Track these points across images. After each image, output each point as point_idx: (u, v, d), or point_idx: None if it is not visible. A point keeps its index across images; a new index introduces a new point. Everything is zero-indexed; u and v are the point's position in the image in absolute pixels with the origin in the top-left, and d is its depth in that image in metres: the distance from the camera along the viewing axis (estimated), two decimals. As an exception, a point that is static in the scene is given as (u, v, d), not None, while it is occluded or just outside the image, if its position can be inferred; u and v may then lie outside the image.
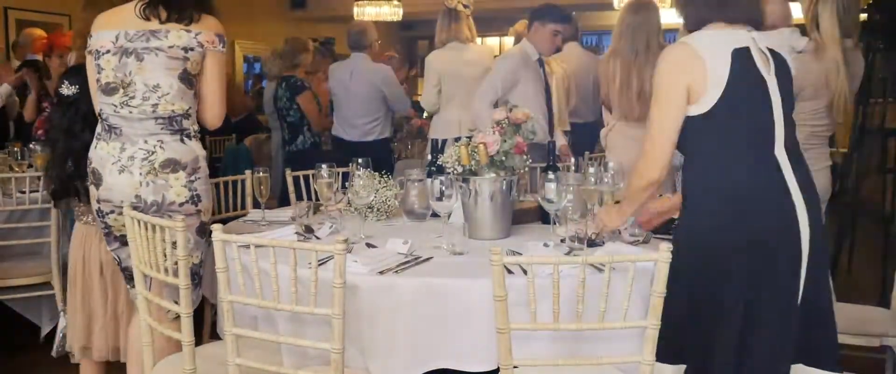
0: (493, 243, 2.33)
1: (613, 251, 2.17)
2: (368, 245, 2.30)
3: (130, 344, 2.43)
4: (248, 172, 3.13)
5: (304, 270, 1.79)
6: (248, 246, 1.81)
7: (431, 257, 2.14)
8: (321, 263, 1.84)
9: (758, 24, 2.03)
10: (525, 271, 1.82)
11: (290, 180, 3.24)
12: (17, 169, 3.63)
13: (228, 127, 6.67)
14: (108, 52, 2.24)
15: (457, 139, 2.85)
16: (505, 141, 2.55)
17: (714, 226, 1.93)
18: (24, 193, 3.31)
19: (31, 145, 3.82)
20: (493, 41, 13.50)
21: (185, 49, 2.23)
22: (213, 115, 2.37)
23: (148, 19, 2.22)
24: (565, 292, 1.69)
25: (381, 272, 1.98)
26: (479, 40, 4.81)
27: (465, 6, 4.26)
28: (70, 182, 2.54)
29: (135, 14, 2.23)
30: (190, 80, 2.25)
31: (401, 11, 9.33)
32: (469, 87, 4.07)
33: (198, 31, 2.25)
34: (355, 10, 9.17)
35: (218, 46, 2.31)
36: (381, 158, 4.04)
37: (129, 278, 2.35)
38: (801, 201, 1.90)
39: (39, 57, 4.90)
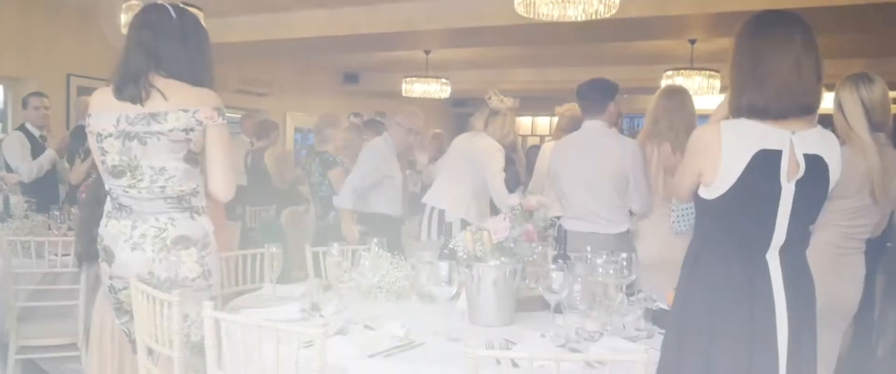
0: (494, 330, 2.34)
1: (612, 348, 2.14)
2: (366, 327, 2.32)
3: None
4: (272, 247, 3.20)
5: (296, 349, 1.82)
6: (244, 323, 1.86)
7: (424, 343, 2.15)
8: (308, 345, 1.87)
9: (810, 110, 1.94)
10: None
11: (309, 256, 3.30)
12: (55, 232, 3.79)
13: (270, 197, 6.86)
14: (110, 135, 2.27)
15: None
16: (514, 228, 2.58)
17: (693, 307, 1.96)
18: (56, 256, 3.45)
19: (73, 209, 3.99)
20: (543, 121, 13.73)
21: (186, 130, 2.25)
22: (220, 186, 2.38)
23: (125, 100, 2.25)
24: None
25: (370, 356, 1.99)
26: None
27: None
28: (93, 247, 2.64)
29: (112, 94, 2.28)
30: (195, 159, 2.30)
31: (449, 89, 9.57)
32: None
33: (195, 110, 2.26)
34: (404, 86, 9.45)
35: (217, 120, 2.31)
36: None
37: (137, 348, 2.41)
38: (782, 302, 1.88)
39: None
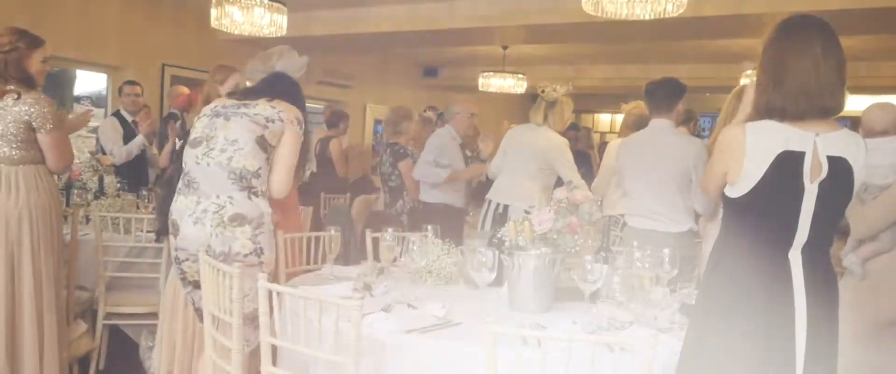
0: (531, 315, 2.46)
1: (629, 335, 2.23)
2: (410, 306, 2.48)
3: (198, 374, 2.72)
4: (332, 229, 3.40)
5: (335, 320, 2.00)
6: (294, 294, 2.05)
7: (461, 323, 2.29)
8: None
9: (830, 112, 1.97)
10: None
11: (369, 241, 3.49)
12: (142, 210, 4.11)
13: (345, 186, 7.12)
14: (205, 115, 2.63)
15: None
16: (558, 220, 2.69)
17: (714, 302, 2.02)
18: (141, 232, 3.77)
19: (158, 189, 4.32)
20: (605, 118, 13.66)
21: (267, 119, 2.56)
22: (277, 182, 2.67)
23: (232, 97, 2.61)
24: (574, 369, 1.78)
25: (408, 331, 2.15)
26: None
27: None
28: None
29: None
30: (264, 145, 2.57)
31: (525, 85, 9.65)
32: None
33: (281, 110, 2.62)
34: (480, 81, 9.59)
35: (295, 127, 2.64)
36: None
37: (202, 316, 2.64)
38: (802, 301, 1.92)
39: (178, 111, 5.52)
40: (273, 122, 2.58)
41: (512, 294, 2.58)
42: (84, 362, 3.68)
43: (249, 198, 2.56)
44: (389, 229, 2.92)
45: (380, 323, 2.20)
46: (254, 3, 5.96)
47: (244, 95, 2.78)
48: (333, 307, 1.95)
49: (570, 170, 4.37)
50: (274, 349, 2.30)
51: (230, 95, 2.79)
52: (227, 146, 2.56)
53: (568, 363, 1.74)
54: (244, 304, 2.25)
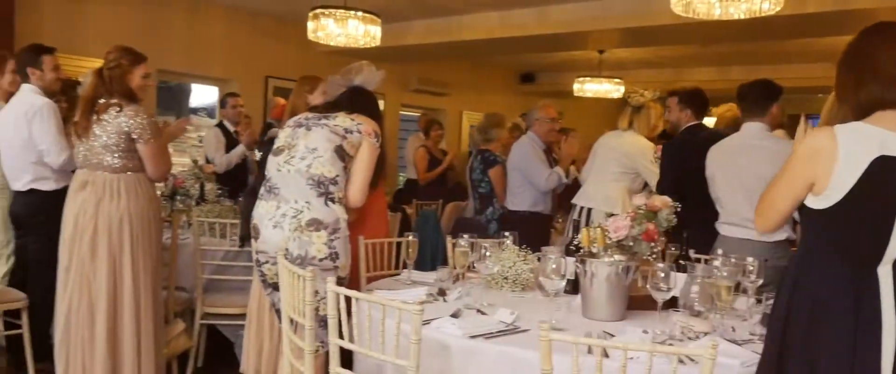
0: (601, 324, 2.42)
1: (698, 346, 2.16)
2: (479, 312, 2.50)
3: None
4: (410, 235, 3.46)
5: (397, 322, 2.03)
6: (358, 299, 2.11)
7: (528, 330, 2.28)
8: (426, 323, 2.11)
9: None
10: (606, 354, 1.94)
11: (450, 247, 3.52)
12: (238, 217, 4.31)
13: (441, 192, 7.21)
14: (288, 126, 2.78)
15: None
16: (634, 227, 2.64)
17: (795, 319, 1.91)
18: (236, 237, 3.95)
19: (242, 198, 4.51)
20: (709, 122, 13.13)
21: (346, 129, 2.68)
22: (353, 192, 2.78)
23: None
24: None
25: (473, 336, 2.17)
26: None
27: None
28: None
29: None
30: (343, 154, 2.67)
31: (622, 89, 9.47)
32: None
33: (360, 123, 2.74)
34: (575, 86, 9.49)
35: (372, 139, 2.75)
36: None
37: (281, 317, 2.75)
38: (891, 319, 1.80)
39: (275, 121, 5.75)
40: (351, 133, 2.69)
41: (584, 302, 2.56)
42: (183, 359, 3.90)
43: (326, 204, 2.66)
44: (465, 235, 2.94)
45: (446, 328, 2.22)
46: (348, 15, 6.15)
47: (326, 108, 2.89)
48: (396, 311, 1.99)
49: (653, 174, 4.28)
50: (351, 352, 2.37)
51: (312, 108, 2.91)
52: (307, 154, 2.68)
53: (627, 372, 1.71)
54: (320, 306, 2.33)
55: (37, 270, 3.81)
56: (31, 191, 3.85)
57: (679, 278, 2.54)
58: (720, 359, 1.87)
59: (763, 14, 4.39)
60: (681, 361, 1.96)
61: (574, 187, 4.85)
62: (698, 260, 3.10)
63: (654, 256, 2.65)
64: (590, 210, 4.46)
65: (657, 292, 2.36)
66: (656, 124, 4.52)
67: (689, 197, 3.56)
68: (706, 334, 2.27)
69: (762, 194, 2.06)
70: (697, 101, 4.29)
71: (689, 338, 2.25)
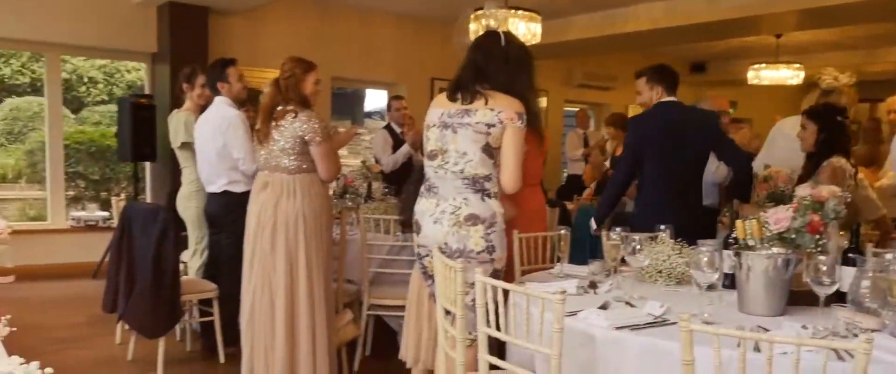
0: (757, 319, 2.33)
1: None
2: (628, 304, 2.48)
3: (439, 362, 2.96)
4: (562, 229, 3.48)
5: (541, 311, 2.09)
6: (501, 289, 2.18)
7: (677, 323, 2.24)
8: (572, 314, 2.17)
9: None
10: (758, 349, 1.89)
11: (603, 239, 3.50)
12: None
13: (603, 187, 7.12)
14: (434, 126, 2.84)
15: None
16: (796, 218, 2.52)
17: None
18: (401, 233, 4.15)
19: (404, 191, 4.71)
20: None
21: (488, 125, 2.72)
22: (507, 179, 2.78)
23: (454, 101, 2.77)
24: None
25: (618, 327, 2.17)
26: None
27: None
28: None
29: (446, 97, 2.83)
30: (490, 152, 2.73)
31: (802, 75, 8.88)
32: None
33: (500, 110, 2.72)
34: (750, 74, 9.01)
35: (516, 122, 2.74)
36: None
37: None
38: None
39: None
40: (493, 126, 2.71)
41: (740, 296, 2.47)
42: (351, 347, 4.16)
43: (483, 200, 2.74)
44: (617, 229, 2.93)
45: (592, 319, 2.24)
46: (509, 14, 6.24)
47: (460, 93, 2.77)
48: (540, 301, 2.04)
49: None
50: (503, 344, 2.46)
51: (452, 98, 2.80)
52: (459, 159, 2.75)
53: (774, 367, 1.65)
54: (476, 296, 2.42)
55: (227, 263, 4.24)
56: (225, 193, 4.28)
57: (847, 273, 2.40)
58: (887, 357, 1.76)
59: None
60: (840, 357, 1.87)
61: None
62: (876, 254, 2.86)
63: (818, 249, 2.51)
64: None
65: (819, 286, 2.24)
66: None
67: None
68: (874, 331, 2.13)
69: None
70: (667, 76, 4.00)
71: (854, 335, 2.12)
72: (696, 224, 3.61)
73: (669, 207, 3.76)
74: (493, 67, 2.83)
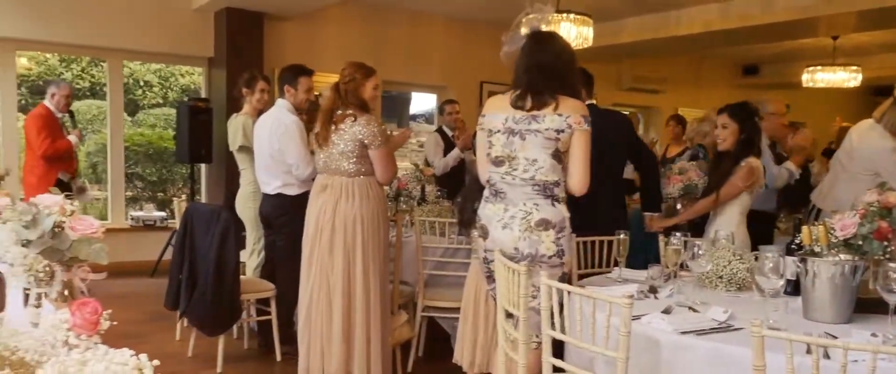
0: (823, 326, 2.31)
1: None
2: (691, 309, 2.48)
3: (496, 365, 2.98)
4: (621, 233, 3.48)
5: (607, 315, 2.10)
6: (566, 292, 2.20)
7: (742, 329, 2.24)
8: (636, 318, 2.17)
9: None
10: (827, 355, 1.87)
11: (662, 246, 3.49)
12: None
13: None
14: (498, 131, 2.80)
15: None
16: (863, 225, 2.49)
17: None
18: (455, 235, 4.19)
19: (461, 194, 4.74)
20: None
21: (557, 131, 2.70)
22: (575, 181, 2.76)
23: (519, 108, 2.76)
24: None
25: (683, 332, 2.17)
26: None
27: None
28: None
29: (509, 102, 2.80)
30: (559, 157, 2.72)
31: (859, 77, 8.68)
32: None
33: (567, 115, 2.71)
34: (804, 76, 8.83)
35: (584, 125, 2.73)
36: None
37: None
38: None
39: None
40: (562, 132, 2.71)
41: (805, 303, 2.45)
42: (405, 348, 4.21)
43: (553, 205, 2.74)
44: (678, 233, 2.92)
45: (656, 323, 2.25)
46: (561, 18, 6.22)
47: (526, 100, 2.75)
48: (606, 305, 2.05)
49: (889, 175, 3.91)
50: (564, 345, 2.47)
51: (517, 105, 2.76)
52: (529, 166, 2.74)
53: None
54: (535, 300, 2.45)
55: (283, 264, 4.32)
56: (279, 194, 4.37)
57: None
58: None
59: None
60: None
61: (800, 185, 4.56)
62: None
63: (887, 255, 2.47)
64: (820, 211, 4.18)
65: (889, 294, 2.20)
66: None
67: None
68: (947, 340, 2.10)
69: None
70: (585, 79, 3.86)
71: (928, 344, 2.09)
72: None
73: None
74: (560, 68, 2.80)
